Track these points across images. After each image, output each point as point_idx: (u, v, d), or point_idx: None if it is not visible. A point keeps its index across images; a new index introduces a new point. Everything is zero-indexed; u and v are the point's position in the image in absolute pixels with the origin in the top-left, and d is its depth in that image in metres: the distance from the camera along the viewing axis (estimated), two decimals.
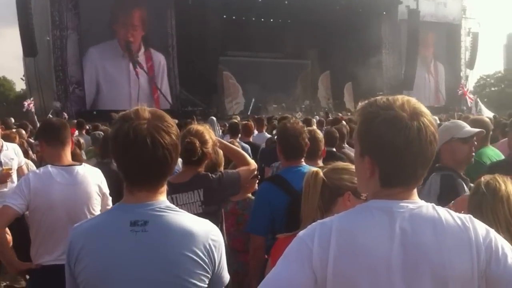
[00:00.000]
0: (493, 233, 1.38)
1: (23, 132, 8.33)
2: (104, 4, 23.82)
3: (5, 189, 5.00)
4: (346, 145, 6.33)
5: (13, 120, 11.12)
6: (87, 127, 11.14)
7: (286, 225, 2.83)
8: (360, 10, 30.16)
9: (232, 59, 29.40)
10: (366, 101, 1.45)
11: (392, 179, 1.39)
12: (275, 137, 6.06)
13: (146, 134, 1.64)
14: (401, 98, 1.42)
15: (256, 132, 8.50)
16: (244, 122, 8.31)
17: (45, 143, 3.28)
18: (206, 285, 1.73)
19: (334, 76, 30.64)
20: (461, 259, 1.33)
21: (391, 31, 32.13)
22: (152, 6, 25.09)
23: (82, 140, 7.28)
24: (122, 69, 24.57)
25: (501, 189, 2.07)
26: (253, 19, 30.46)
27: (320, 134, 3.82)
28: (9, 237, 3.20)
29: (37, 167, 5.87)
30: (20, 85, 52.75)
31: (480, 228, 1.38)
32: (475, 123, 4.20)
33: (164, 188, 1.77)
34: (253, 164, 3.29)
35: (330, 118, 14.52)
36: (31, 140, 8.23)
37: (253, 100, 27.25)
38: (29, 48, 21.12)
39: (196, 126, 3.06)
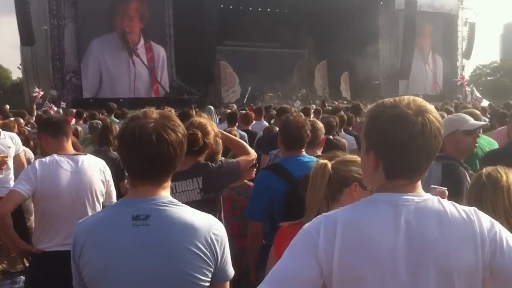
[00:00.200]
0: (498, 225, 1.39)
1: (21, 120, 8.33)
2: None
3: (1, 176, 5.08)
4: (342, 132, 6.88)
5: (8, 107, 11.09)
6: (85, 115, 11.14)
7: (284, 213, 2.85)
8: (357, 0, 30.05)
9: (229, 49, 29.35)
10: (375, 103, 1.47)
11: (396, 171, 1.40)
12: (275, 128, 6.16)
13: (151, 131, 1.66)
14: (407, 98, 1.44)
15: (254, 121, 8.60)
16: (244, 112, 8.59)
17: (50, 136, 3.40)
18: (209, 279, 1.73)
19: (330, 66, 30.63)
20: (466, 251, 1.34)
21: (388, 20, 32.04)
22: None
23: (80, 128, 7.32)
24: (122, 61, 24.76)
25: (502, 180, 2.08)
26: (250, 8, 30.38)
27: (320, 124, 3.86)
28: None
29: (34, 154, 5.92)
30: (16, 74, 52.58)
31: (485, 220, 1.39)
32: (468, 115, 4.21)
33: (168, 183, 1.78)
34: (253, 153, 3.32)
35: (327, 107, 14.60)
36: (28, 128, 8.25)
37: (250, 88, 27.23)
38: (27, 37, 21.15)
39: (199, 119, 3.09)
